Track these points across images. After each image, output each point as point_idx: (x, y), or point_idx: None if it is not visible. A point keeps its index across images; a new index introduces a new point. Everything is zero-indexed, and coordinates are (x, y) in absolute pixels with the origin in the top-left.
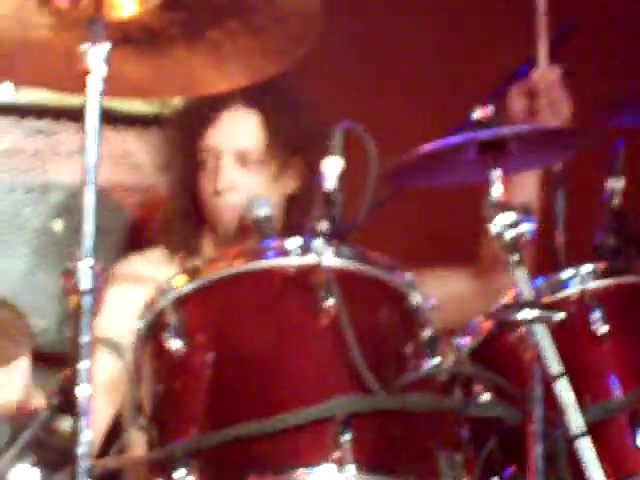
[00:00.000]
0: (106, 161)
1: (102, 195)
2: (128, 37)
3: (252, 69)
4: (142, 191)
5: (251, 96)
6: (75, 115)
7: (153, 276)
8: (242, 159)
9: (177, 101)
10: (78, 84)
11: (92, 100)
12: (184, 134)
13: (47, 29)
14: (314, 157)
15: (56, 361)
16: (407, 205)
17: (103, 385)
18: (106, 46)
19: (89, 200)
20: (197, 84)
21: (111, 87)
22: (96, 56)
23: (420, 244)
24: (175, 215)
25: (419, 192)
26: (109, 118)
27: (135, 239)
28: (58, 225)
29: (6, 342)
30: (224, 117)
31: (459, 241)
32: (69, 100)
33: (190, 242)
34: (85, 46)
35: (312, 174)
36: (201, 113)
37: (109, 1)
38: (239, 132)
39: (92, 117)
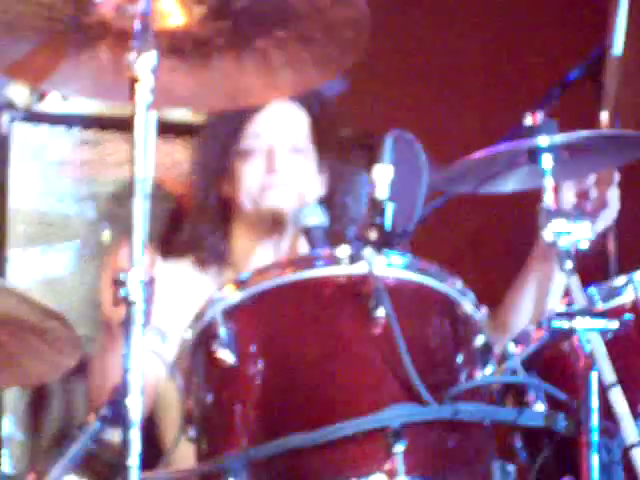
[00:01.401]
0: (154, 171)
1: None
2: (175, 47)
3: (301, 79)
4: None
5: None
6: (122, 125)
7: (185, 279)
8: (292, 145)
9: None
10: (125, 94)
11: (140, 109)
12: (213, 139)
13: (94, 40)
14: (343, 167)
15: None
16: (454, 212)
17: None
18: (153, 55)
19: (138, 211)
20: (244, 95)
21: (159, 98)
22: (143, 66)
23: (464, 251)
24: (203, 222)
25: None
26: (157, 128)
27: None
28: (106, 235)
29: (54, 352)
30: (272, 105)
31: (503, 248)
32: (116, 110)
33: (219, 249)
34: (133, 55)
35: (340, 183)
36: (230, 117)
37: (156, 10)
38: (289, 119)
39: (140, 126)
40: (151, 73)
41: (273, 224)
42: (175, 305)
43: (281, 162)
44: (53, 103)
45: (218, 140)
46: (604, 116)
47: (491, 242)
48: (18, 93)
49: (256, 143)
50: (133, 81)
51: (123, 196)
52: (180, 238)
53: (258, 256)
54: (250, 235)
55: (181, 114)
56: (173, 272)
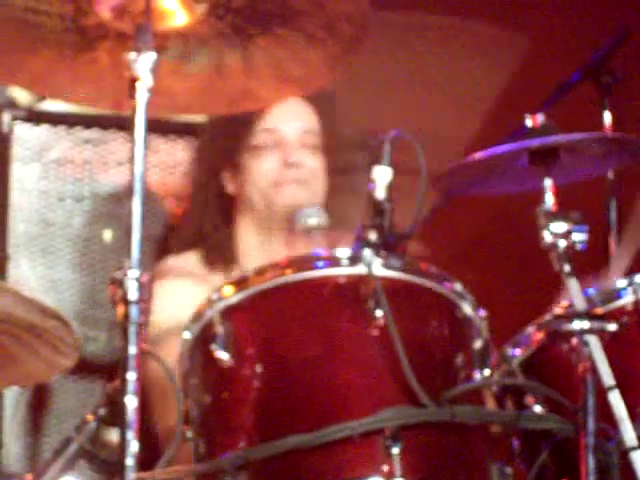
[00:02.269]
0: (157, 170)
1: (151, 201)
2: (176, 48)
3: (308, 76)
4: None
5: None
6: (123, 124)
7: (192, 273)
8: (306, 140)
9: None
10: (123, 100)
11: (140, 109)
12: (220, 134)
13: (93, 42)
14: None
15: (105, 370)
16: (454, 212)
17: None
18: (152, 55)
19: (136, 209)
20: (253, 94)
21: (160, 101)
22: (142, 66)
23: (467, 251)
24: (207, 218)
25: (467, 199)
26: (160, 128)
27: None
28: (107, 234)
29: (53, 352)
30: (289, 99)
31: (506, 249)
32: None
33: (224, 246)
34: (132, 55)
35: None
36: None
37: (156, 9)
38: (302, 114)
39: (140, 126)
40: (151, 73)
41: (287, 221)
42: (182, 300)
43: (296, 157)
44: (54, 102)
45: (225, 136)
46: (607, 117)
47: (492, 243)
48: (19, 92)
49: (269, 139)
50: (133, 81)
51: (123, 195)
52: (184, 234)
53: (269, 253)
54: (259, 232)
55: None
56: (180, 266)
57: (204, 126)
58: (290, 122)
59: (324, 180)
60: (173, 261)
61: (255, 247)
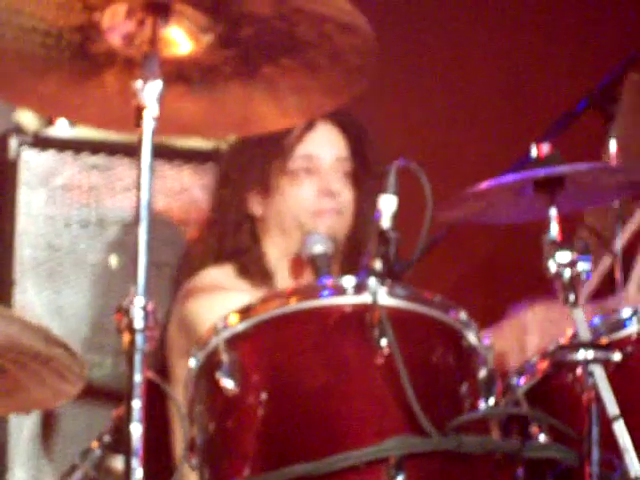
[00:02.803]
0: (163, 196)
1: (164, 226)
2: (183, 75)
3: (308, 105)
4: (198, 225)
5: (332, 115)
6: (130, 150)
7: (233, 285)
8: (337, 166)
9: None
10: (131, 123)
11: (146, 137)
12: (254, 154)
13: (101, 68)
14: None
15: (111, 396)
16: (459, 239)
17: None
18: (159, 84)
19: (143, 236)
20: (252, 122)
21: (167, 125)
22: (149, 94)
23: (472, 279)
24: (237, 237)
25: (473, 227)
26: (166, 154)
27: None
28: (114, 260)
29: (59, 379)
30: (319, 127)
31: (512, 276)
32: (123, 136)
33: (260, 260)
34: (139, 83)
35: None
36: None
37: (164, 39)
38: (336, 141)
39: (146, 154)
40: (157, 101)
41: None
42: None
43: (334, 186)
44: (61, 128)
45: (259, 157)
46: (612, 145)
47: (501, 270)
48: (27, 118)
49: (306, 165)
50: (139, 109)
51: (130, 221)
52: (203, 256)
53: (294, 277)
54: (286, 255)
55: (189, 141)
56: (217, 276)
57: (231, 145)
58: (326, 149)
59: (353, 208)
60: (216, 273)
61: (280, 269)
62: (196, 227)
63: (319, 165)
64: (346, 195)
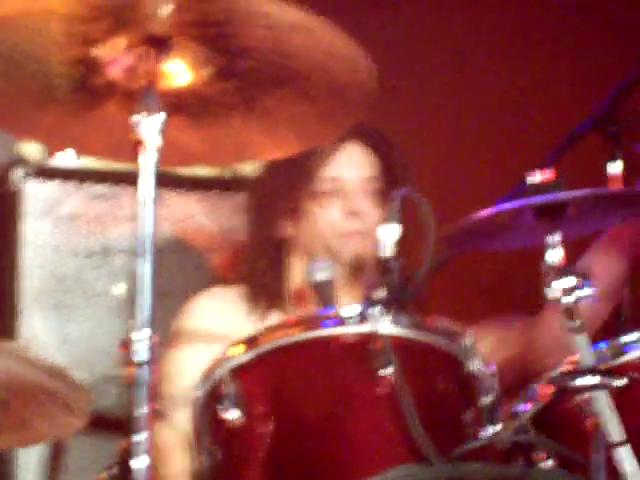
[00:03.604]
0: (168, 224)
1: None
2: (182, 106)
3: (306, 136)
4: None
5: (359, 134)
6: (134, 179)
7: (234, 311)
8: (364, 187)
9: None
10: (133, 153)
11: (145, 171)
12: (280, 178)
13: (102, 99)
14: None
15: (119, 426)
16: (461, 265)
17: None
18: (161, 117)
19: (146, 270)
20: (251, 151)
21: (166, 156)
22: (150, 126)
23: (475, 305)
24: (260, 260)
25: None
26: (171, 182)
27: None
28: (120, 289)
29: (64, 413)
30: (344, 148)
31: (515, 301)
32: (128, 165)
33: (273, 287)
34: (138, 117)
35: None
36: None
37: (163, 72)
38: (361, 161)
39: (147, 188)
40: (158, 135)
41: (353, 271)
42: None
43: (357, 206)
44: (65, 158)
45: (286, 180)
46: (616, 167)
47: (508, 295)
48: (30, 149)
49: (332, 186)
50: (139, 142)
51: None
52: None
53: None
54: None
55: (194, 168)
56: (222, 299)
57: (261, 173)
58: (350, 170)
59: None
60: (219, 293)
61: (305, 291)
62: (225, 254)
63: (344, 186)
64: (373, 215)
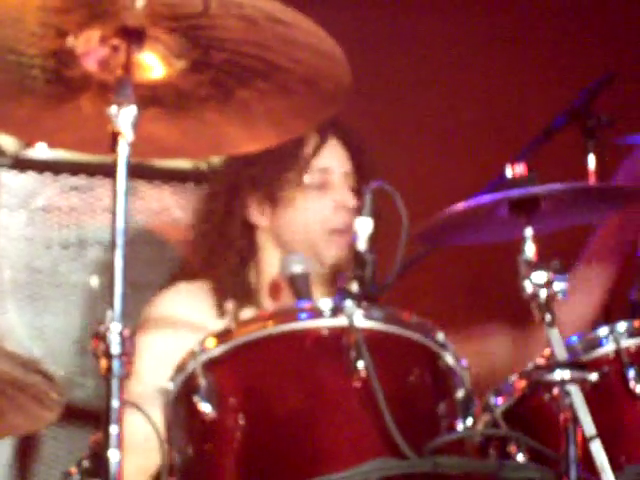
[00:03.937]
0: (143, 217)
1: (144, 246)
2: (157, 99)
3: (282, 128)
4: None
5: (334, 130)
6: (109, 171)
7: (197, 308)
8: (347, 182)
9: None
10: (108, 146)
11: (121, 163)
12: (263, 164)
13: (76, 92)
14: None
15: (93, 417)
16: (443, 260)
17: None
18: (133, 109)
19: (118, 263)
20: (227, 144)
21: (141, 148)
22: (125, 119)
23: (457, 300)
24: (226, 249)
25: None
26: (146, 174)
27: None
28: (95, 281)
29: (37, 405)
30: (330, 140)
31: (496, 296)
32: (104, 157)
33: (240, 280)
34: (114, 108)
35: None
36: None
37: (138, 64)
38: (342, 155)
39: (121, 180)
40: (132, 126)
41: (331, 275)
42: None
43: (349, 201)
44: (40, 150)
45: (273, 167)
46: (591, 162)
47: (482, 289)
48: (4, 140)
49: (321, 178)
50: (114, 134)
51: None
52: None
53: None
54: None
55: (169, 160)
56: (186, 294)
57: (238, 158)
58: (336, 162)
59: None
60: (184, 288)
61: (281, 285)
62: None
63: (332, 179)
64: (353, 208)
